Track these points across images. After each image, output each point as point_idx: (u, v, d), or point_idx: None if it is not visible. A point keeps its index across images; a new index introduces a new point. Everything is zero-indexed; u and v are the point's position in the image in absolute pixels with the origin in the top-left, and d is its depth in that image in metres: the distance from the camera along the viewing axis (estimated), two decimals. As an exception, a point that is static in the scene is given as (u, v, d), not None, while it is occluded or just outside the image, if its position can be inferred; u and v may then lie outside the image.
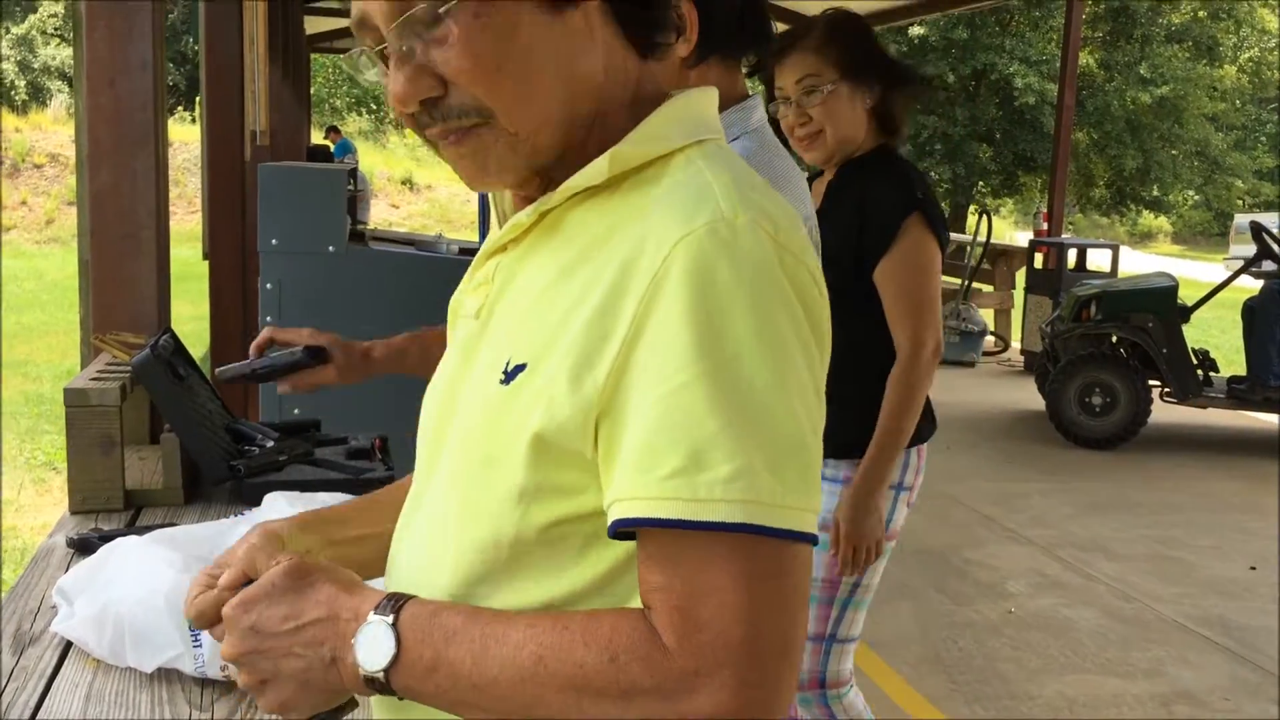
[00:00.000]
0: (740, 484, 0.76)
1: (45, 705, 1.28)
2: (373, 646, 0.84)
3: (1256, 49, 22.81)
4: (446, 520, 0.92)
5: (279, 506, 1.49)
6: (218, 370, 1.98)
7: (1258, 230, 7.28)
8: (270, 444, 2.10)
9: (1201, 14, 20.92)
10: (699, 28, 1.57)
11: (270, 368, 1.85)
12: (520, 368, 0.87)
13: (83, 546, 1.67)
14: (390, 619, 0.84)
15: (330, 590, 0.87)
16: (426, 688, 0.83)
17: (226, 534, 1.44)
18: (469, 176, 0.93)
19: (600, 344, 0.81)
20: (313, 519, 1.08)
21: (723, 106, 1.68)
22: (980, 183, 21.15)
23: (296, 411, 3.94)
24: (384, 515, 1.09)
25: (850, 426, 2.29)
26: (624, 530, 0.80)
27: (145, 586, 1.27)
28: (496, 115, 0.88)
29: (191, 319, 7.52)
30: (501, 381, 0.88)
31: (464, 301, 0.99)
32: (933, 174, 20.28)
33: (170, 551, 1.32)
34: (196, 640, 1.27)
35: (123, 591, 1.29)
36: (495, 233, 0.99)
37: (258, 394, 3.74)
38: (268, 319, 3.75)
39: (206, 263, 4.32)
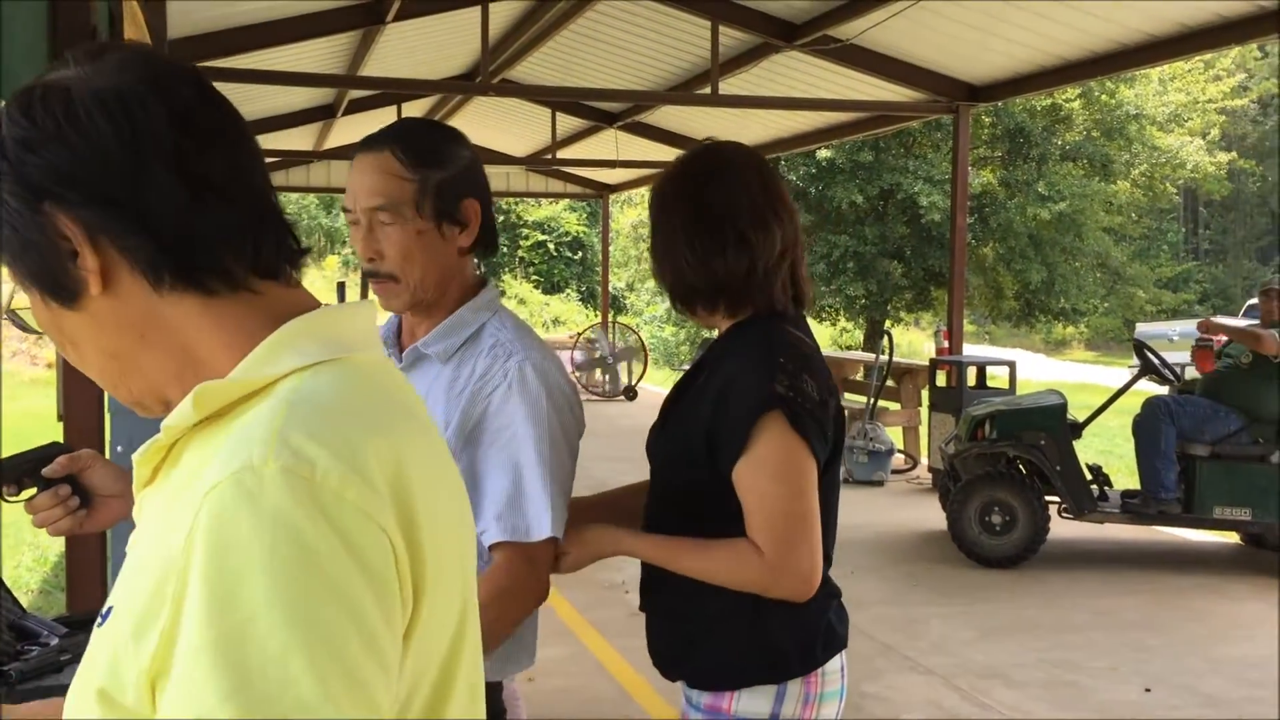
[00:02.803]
0: None
1: None
2: None
3: (1147, 164, 23.76)
4: None
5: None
6: None
7: (1140, 347, 7.45)
8: (55, 641, 2.00)
9: (1095, 133, 21.77)
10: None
11: (20, 458, 1.60)
12: (110, 610, 0.84)
13: None
14: None
15: None
16: None
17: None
18: None
19: (159, 603, 0.78)
20: None
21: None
22: (894, 298, 21.55)
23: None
24: None
25: (712, 653, 1.92)
26: None
27: None
28: None
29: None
30: (98, 625, 0.85)
31: None
32: (847, 291, 20.64)
33: None
34: None
35: None
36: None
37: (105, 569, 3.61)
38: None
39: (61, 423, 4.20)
